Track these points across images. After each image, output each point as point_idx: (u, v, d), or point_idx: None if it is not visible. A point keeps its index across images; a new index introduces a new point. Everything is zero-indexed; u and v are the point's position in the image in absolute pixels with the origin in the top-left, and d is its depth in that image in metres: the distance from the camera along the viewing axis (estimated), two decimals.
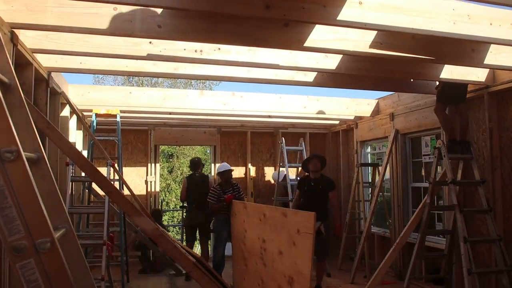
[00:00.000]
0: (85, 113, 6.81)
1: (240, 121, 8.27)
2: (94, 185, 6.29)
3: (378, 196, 6.72)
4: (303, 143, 8.21)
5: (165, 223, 16.73)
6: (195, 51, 4.01)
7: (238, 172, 8.78)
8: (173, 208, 18.18)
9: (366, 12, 3.15)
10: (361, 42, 3.76)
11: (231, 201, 5.80)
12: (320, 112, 7.15)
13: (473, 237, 4.98)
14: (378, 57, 3.90)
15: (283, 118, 7.99)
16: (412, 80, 5.52)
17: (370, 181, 7.72)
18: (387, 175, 7.18)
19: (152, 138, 8.36)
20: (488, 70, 4.94)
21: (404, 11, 3.25)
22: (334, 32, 3.66)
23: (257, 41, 3.61)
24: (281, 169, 8.02)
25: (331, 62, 4.44)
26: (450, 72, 4.79)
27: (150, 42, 3.85)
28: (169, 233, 9.24)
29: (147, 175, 8.32)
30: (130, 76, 18.61)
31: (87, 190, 6.39)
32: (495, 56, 4.24)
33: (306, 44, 3.63)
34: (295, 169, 8.45)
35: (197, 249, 10.58)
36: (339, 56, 4.42)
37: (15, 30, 3.19)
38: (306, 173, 6.10)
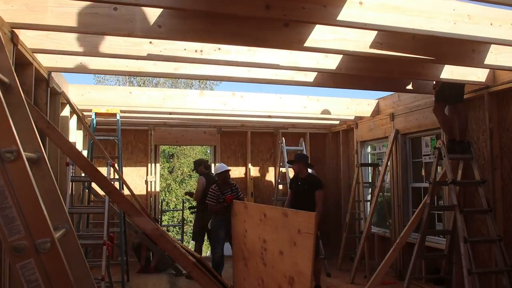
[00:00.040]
0: (85, 113, 6.81)
1: (240, 121, 8.27)
2: (94, 185, 6.29)
3: (378, 196, 6.72)
4: (303, 143, 8.21)
5: (165, 223, 16.76)
6: (195, 51, 4.01)
7: (238, 172, 8.78)
8: (173, 208, 18.19)
9: (366, 12, 3.15)
10: (361, 42, 3.76)
11: (232, 202, 5.80)
12: (325, 112, 7.12)
13: (473, 237, 4.98)
14: (378, 57, 3.90)
15: (283, 118, 7.99)
16: (411, 83, 5.52)
17: (370, 181, 7.72)
18: (387, 175, 7.18)
19: (152, 138, 8.36)
20: (488, 70, 4.94)
21: (404, 11, 3.25)
22: (334, 32, 3.66)
23: (257, 41, 3.62)
24: (281, 169, 8.03)
25: (331, 62, 4.44)
26: (450, 72, 4.79)
27: (150, 42, 3.85)
28: (169, 233, 9.25)
29: (147, 175, 8.33)
30: (131, 76, 18.62)
31: (87, 190, 6.40)
32: (496, 56, 4.24)
33: (306, 44, 3.63)
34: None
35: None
36: (339, 56, 4.42)
37: (15, 30, 3.19)
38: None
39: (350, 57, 4.39)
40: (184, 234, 12.60)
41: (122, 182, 5.79)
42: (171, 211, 17.64)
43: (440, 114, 5.25)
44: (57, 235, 1.78)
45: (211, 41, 3.79)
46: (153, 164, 8.37)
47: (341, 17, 3.11)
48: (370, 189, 7.73)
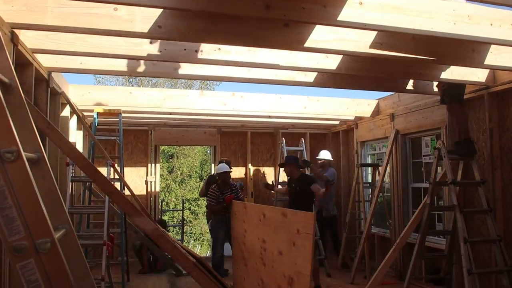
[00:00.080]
0: (85, 113, 6.81)
1: (240, 121, 8.27)
2: (94, 185, 6.29)
3: (378, 196, 6.71)
4: (303, 143, 8.21)
5: None
6: (195, 51, 4.01)
7: (238, 172, 8.78)
8: (173, 208, 18.19)
9: (366, 12, 3.15)
10: (361, 42, 3.76)
11: (231, 202, 5.81)
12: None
13: (473, 237, 4.98)
14: (378, 57, 3.90)
15: (283, 118, 7.98)
16: (411, 83, 5.51)
17: (370, 181, 7.72)
18: (387, 176, 7.18)
19: (152, 138, 8.36)
20: (488, 70, 4.94)
21: (404, 11, 3.24)
22: (334, 33, 3.66)
23: (257, 41, 3.61)
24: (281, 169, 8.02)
25: (331, 63, 4.44)
26: (451, 73, 4.79)
27: (150, 42, 3.85)
28: (169, 233, 9.24)
29: (147, 175, 8.33)
30: (131, 77, 18.60)
31: (87, 190, 6.39)
32: (496, 56, 4.24)
33: (306, 44, 3.63)
34: None
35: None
36: (339, 57, 4.42)
37: (16, 30, 3.19)
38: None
39: (350, 57, 4.39)
40: (184, 234, 12.61)
41: (123, 182, 5.79)
42: (171, 211, 17.64)
43: (455, 113, 5.16)
44: (57, 235, 1.78)
45: (211, 41, 3.79)
46: (153, 164, 8.36)
47: (341, 17, 3.10)
48: (370, 189, 7.73)
